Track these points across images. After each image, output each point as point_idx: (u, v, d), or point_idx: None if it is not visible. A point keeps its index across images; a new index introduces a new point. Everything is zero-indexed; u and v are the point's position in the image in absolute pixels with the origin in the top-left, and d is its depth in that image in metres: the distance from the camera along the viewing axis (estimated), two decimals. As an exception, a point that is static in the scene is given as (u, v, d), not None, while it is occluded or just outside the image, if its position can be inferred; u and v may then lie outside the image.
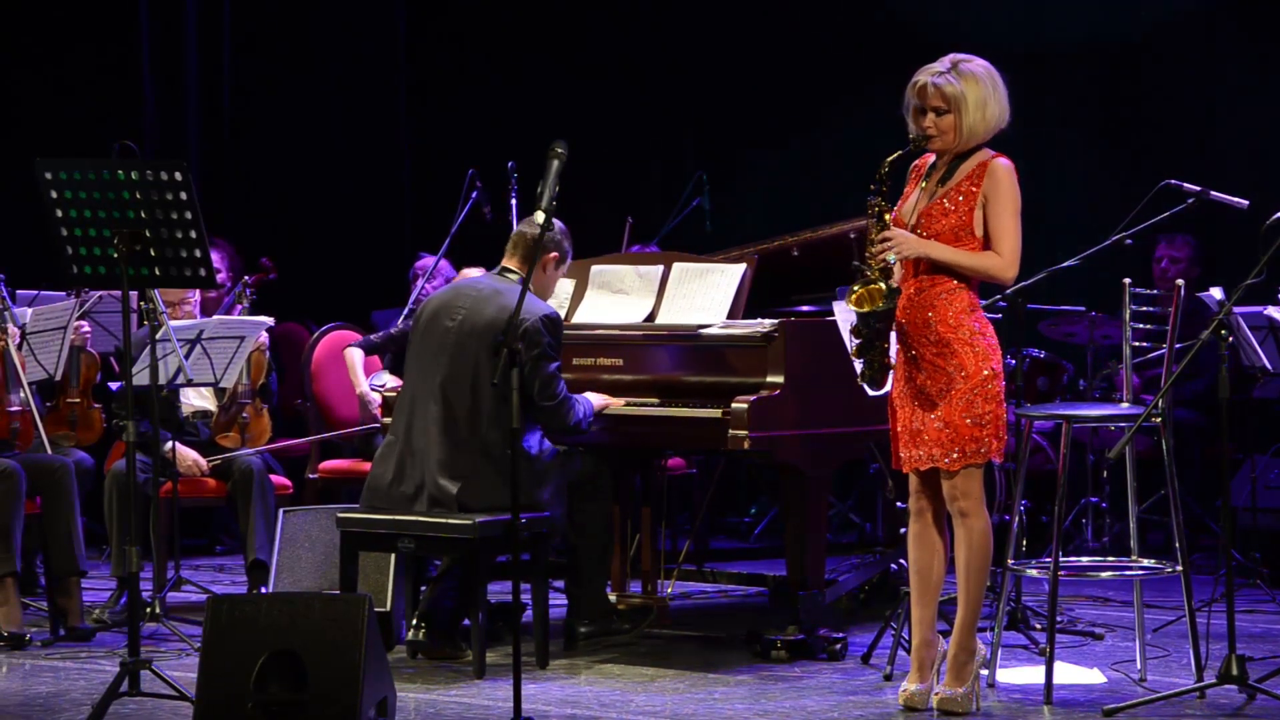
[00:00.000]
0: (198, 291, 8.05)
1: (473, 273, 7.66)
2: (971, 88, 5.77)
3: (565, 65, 11.17)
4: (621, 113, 11.11)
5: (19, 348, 7.33)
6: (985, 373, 5.76)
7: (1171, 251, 9.18)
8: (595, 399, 6.88)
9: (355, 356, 8.19)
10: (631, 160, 11.01)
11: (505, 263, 6.86)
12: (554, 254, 6.81)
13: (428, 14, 11.48)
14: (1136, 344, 6.68)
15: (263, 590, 7.48)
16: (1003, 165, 5.80)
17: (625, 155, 10.94)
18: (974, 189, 5.77)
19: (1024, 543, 7.07)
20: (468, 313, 6.70)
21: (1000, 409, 5.79)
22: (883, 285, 5.75)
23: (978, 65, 5.82)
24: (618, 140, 10.89)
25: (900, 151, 5.84)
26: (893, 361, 5.84)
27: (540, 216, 5.74)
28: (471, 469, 6.59)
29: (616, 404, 6.94)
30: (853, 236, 7.22)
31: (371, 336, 8.26)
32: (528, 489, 6.52)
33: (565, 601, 7.13)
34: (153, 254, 5.95)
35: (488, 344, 6.54)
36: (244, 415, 7.94)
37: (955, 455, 5.76)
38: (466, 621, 6.71)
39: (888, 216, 5.83)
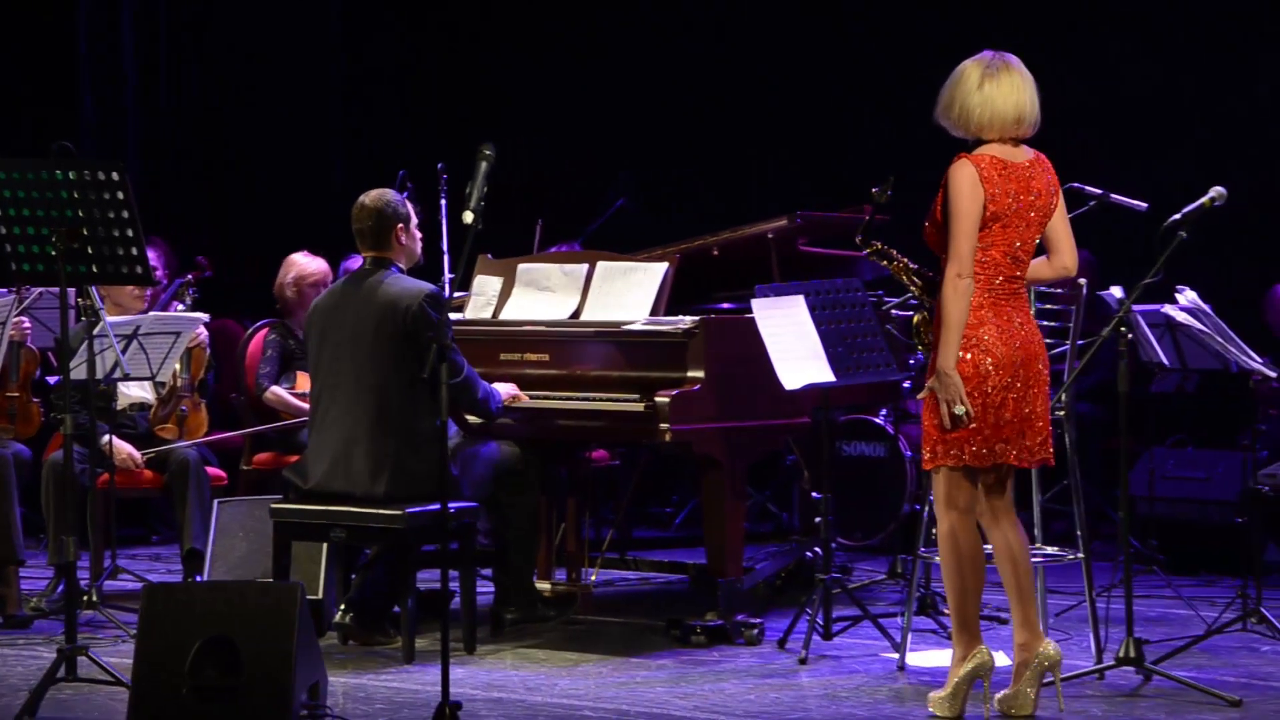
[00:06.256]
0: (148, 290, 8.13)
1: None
2: None
3: (498, 64, 11.21)
4: (544, 112, 11.13)
5: (-40, 344, 7.35)
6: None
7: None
8: (504, 389, 6.96)
9: (277, 392, 8.14)
10: (553, 160, 11.00)
11: (364, 255, 6.90)
12: (399, 223, 6.84)
13: (364, 12, 11.51)
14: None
15: (198, 578, 7.53)
16: (954, 167, 5.59)
17: (548, 155, 10.95)
18: None
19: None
20: (356, 313, 6.74)
21: (926, 417, 5.69)
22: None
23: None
24: (540, 140, 10.91)
25: None
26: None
27: (469, 216, 5.76)
28: (390, 460, 6.64)
29: (524, 397, 7.01)
30: (771, 237, 7.31)
31: (264, 369, 8.19)
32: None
33: (492, 589, 7.23)
34: (90, 252, 5.96)
35: (383, 338, 6.63)
36: (183, 409, 7.96)
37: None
38: (396, 608, 6.79)
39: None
